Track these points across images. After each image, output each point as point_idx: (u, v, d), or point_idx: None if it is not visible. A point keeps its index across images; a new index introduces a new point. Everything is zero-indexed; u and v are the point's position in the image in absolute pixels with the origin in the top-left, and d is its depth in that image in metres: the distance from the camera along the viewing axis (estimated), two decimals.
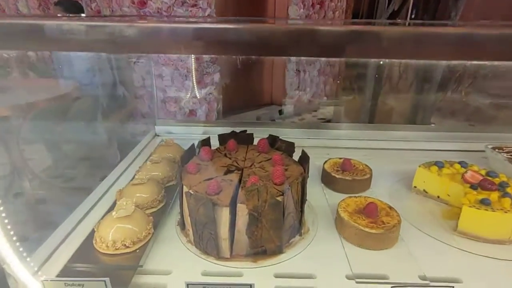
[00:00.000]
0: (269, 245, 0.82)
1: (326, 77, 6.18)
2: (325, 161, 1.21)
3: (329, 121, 5.12)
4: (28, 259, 0.70)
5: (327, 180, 1.15)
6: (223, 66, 4.26)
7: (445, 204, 1.06)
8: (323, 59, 5.63)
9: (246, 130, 1.12)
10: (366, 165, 1.19)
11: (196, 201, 0.77)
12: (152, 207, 0.94)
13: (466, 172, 1.01)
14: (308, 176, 0.93)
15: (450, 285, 0.73)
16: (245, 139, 1.09)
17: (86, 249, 0.79)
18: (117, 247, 0.77)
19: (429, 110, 3.78)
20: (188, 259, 0.81)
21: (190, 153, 0.98)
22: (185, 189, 0.83)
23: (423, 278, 0.76)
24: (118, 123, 3.67)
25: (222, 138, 1.07)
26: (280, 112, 5.58)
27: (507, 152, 1.24)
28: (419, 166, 1.12)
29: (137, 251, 0.78)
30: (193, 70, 3.46)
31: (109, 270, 0.73)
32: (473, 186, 0.95)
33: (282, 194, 0.79)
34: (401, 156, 1.43)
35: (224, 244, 0.80)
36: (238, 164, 0.95)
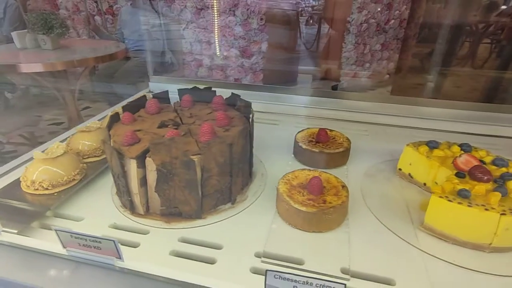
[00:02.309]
0: (184, 208, 0.75)
1: (391, 52, 5.55)
2: (300, 131, 1.07)
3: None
4: None
5: (296, 151, 1.02)
6: (272, 34, 4.10)
7: (431, 193, 0.86)
8: (389, 31, 5.08)
9: (211, 87, 1.02)
10: (347, 139, 1.02)
11: (108, 151, 0.73)
12: (95, 156, 0.93)
13: (459, 156, 0.79)
14: (246, 140, 0.82)
15: (379, 285, 0.59)
16: (206, 96, 1.00)
17: (14, 187, 0.82)
18: (35, 188, 0.77)
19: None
20: (105, 210, 0.79)
21: (136, 103, 0.93)
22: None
23: (345, 271, 0.62)
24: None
25: (181, 93, 1.00)
26: (333, 87, 5.24)
27: None
28: (407, 145, 0.91)
29: (55, 194, 0.78)
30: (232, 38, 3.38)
31: (21, 207, 0.75)
32: (459, 174, 0.74)
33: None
34: (411, 135, 1.20)
35: (137, 200, 0.75)
36: (181, 120, 0.88)
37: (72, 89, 3.19)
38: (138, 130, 0.80)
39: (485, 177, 0.70)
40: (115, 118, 0.84)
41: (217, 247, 0.69)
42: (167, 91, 1.00)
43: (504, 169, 0.75)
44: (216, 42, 3.97)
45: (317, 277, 0.50)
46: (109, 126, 0.81)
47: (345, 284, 0.49)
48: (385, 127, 1.26)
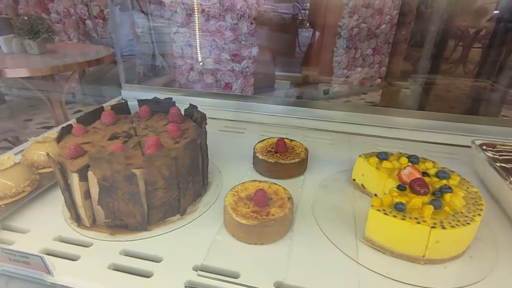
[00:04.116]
0: (130, 220, 0.75)
1: (383, 56, 5.59)
2: (261, 141, 1.08)
3: (377, 105, 4.70)
4: None
5: (254, 161, 1.03)
6: (262, 39, 4.11)
7: None
8: (380, 36, 5.10)
9: (171, 98, 1.03)
10: (305, 149, 1.03)
11: (52, 164, 0.74)
12: (51, 167, 0.94)
13: (404, 168, 0.80)
14: (195, 152, 0.82)
15: None
16: (165, 107, 1.01)
17: None
18: None
19: (497, 101, 3.20)
20: (53, 222, 0.79)
21: (93, 115, 0.94)
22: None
23: (279, 285, 0.63)
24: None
25: (140, 104, 1.01)
26: (325, 92, 5.26)
27: (498, 151, 0.95)
28: (359, 156, 0.92)
29: (2, 206, 0.79)
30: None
31: None
32: (400, 186, 0.75)
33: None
34: (374, 144, 1.21)
35: (82, 212, 0.76)
36: (135, 131, 0.89)
37: (59, 92, 3.20)
38: (87, 143, 0.81)
39: (422, 190, 0.71)
40: (66, 130, 0.85)
41: (157, 260, 0.69)
42: (126, 102, 1.01)
43: (444, 181, 0.76)
44: (207, 47, 3.99)
45: None
46: (59, 138, 0.82)
47: None
48: (351, 136, 1.27)
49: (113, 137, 0.84)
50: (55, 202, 0.86)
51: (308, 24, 5.62)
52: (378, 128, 1.29)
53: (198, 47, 4.05)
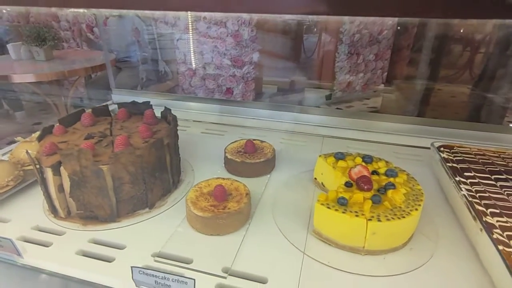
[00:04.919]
0: (100, 212, 0.83)
1: (385, 62, 5.60)
2: (232, 142, 1.14)
3: (378, 111, 4.72)
4: None
5: (225, 161, 1.09)
6: (264, 44, 4.19)
7: None
8: (382, 41, 5.13)
9: (149, 101, 1.11)
10: (273, 149, 1.09)
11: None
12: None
13: (354, 167, 0.85)
14: (161, 151, 0.89)
15: (253, 283, 0.66)
16: (142, 110, 1.08)
17: None
18: None
19: (500, 107, 3.20)
20: (33, 214, 0.87)
21: (74, 116, 1.02)
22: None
23: (225, 270, 0.69)
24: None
25: (120, 107, 1.09)
26: (327, 97, 5.30)
27: (453, 152, 1.00)
28: (319, 156, 0.98)
29: None
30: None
31: None
32: (347, 183, 0.81)
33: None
34: (345, 146, 1.26)
35: (57, 204, 0.83)
36: (111, 132, 0.97)
37: (66, 97, 3.33)
38: (64, 142, 0.88)
39: (366, 187, 0.77)
40: (47, 130, 0.93)
41: (121, 247, 0.76)
42: (107, 105, 1.09)
43: (392, 179, 0.81)
44: (209, 52, 4.09)
45: (175, 273, 0.57)
46: (40, 138, 0.90)
47: (194, 279, 0.56)
48: (324, 138, 1.32)
49: (88, 137, 0.92)
50: (37, 196, 0.94)
51: (315, 29, 5.67)
52: (351, 131, 1.34)
53: (200, 53, 4.15)
